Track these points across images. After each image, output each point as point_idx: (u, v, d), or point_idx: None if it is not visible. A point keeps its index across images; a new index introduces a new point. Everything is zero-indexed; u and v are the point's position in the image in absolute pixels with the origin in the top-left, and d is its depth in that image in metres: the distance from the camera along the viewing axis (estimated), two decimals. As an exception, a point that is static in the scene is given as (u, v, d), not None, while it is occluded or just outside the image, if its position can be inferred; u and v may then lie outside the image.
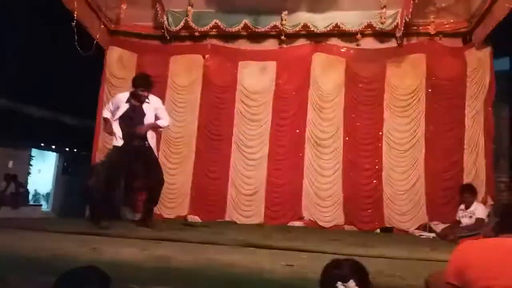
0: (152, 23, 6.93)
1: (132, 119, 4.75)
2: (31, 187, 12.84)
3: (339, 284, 1.51)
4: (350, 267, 1.58)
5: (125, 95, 4.85)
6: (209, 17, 6.60)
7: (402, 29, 6.06)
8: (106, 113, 4.91)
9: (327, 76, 6.59)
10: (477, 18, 5.93)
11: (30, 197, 12.79)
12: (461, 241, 4.68)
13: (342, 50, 6.67)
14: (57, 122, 11.28)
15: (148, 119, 4.81)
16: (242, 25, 6.54)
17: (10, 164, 11.61)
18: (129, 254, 3.08)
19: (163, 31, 6.79)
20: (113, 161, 4.74)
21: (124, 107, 4.75)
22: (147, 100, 4.80)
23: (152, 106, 4.86)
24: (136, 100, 4.77)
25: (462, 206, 5.32)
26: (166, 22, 6.65)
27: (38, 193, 14.09)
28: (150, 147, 4.82)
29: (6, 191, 10.38)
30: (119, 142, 4.68)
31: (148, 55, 7.04)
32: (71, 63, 7.62)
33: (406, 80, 6.40)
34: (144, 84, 4.79)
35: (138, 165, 4.92)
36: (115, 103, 4.85)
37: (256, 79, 6.75)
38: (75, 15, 5.89)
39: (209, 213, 6.52)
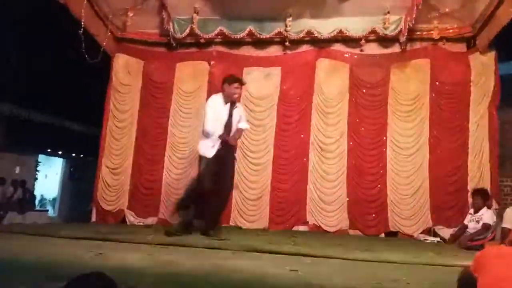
0: (158, 30, 7.00)
1: (229, 125, 4.60)
2: (38, 192, 12.94)
3: None
4: None
5: (219, 97, 4.67)
6: (214, 24, 6.66)
7: (406, 34, 6.08)
8: (212, 125, 4.52)
9: (331, 81, 6.62)
10: (481, 23, 5.95)
11: (37, 202, 12.88)
12: (468, 245, 4.73)
13: (346, 55, 6.70)
14: (64, 128, 11.39)
15: (235, 124, 4.67)
16: (246, 31, 6.60)
17: (17, 169, 11.72)
18: (134, 259, 3.11)
19: (169, 38, 6.87)
20: (215, 170, 4.48)
21: (224, 110, 4.58)
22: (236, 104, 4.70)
23: (239, 111, 4.77)
24: (231, 100, 4.61)
25: (471, 210, 5.32)
26: (172, 29, 6.72)
27: (45, 198, 14.20)
28: (235, 157, 4.81)
29: (13, 197, 10.46)
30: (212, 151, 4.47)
31: (154, 62, 7.12)
32: (79, 70, 7.72)
33: (410, 85, 6.41)
34: (239, 80, 4.74)
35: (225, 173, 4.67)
36: (216, 108, 4.58)
37: (260, 85, 6.79)
38: (82, 23, 5.98)
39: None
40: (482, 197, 5.27)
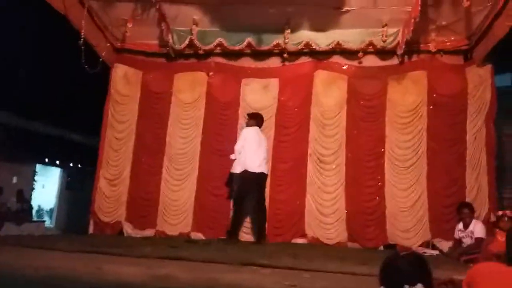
0: (157, 41, 7.01)
1: None
2: (35, 202, 12.84)
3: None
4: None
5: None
6: (213, 36, 6.69)
7: (403, 47, 6.11)
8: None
9: (329, 93, 6.65)
10: (478, 36, 6.00)
11: (34, 212, 12.78)
12: (463, 259, 4.72)
13: (344, 67, 6.73)
14: (61, 138, 11.36)
15: None
16: (245, 43, 6.64)
17: (15, 179, 11.64)
18: (132, 274, 3.09)
19: (168, 49, 6.90)
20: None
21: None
22: None
23: None
24: None
25: (461, 226, 5.32)
26: (171, 41, 6.75)
27: (42, 209, 14.08)
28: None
29: (10, 207, 10.36)
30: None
31: (153, 73, 7.15)
32: (77, 80, 7.73)
33: (407, 97, 6.44)
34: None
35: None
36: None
37: (259, 95, 6.81)
38: (82, 34, 6.01)
39: (211, 230, 6.50)
40: (469, 210, 5.29)
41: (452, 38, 6.39)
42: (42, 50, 9.03)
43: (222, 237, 6.21)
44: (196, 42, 6.70)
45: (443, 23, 6.02)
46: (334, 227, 6.29)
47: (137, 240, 5.87)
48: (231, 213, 6.10)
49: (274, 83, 6.83)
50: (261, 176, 5.91)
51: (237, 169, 5.89)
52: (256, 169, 5.78)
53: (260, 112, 6.70)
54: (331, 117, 6.59)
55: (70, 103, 10.06)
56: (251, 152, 5.79)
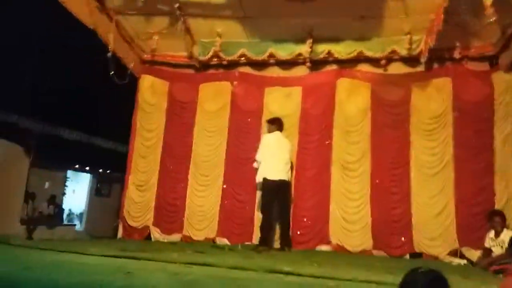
0: (183, 52, 7.16)
1: None
2: (66, 207, 13.31)
3: None
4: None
5: None
6: (237, 47, 6.82)
7: (427, 54, 6.06)
8: None
9: (352, 100, 6.66)
10: (503, 42, 5.89)
11: (64, 216, 13.25)
12: (492, 268, 4.64)
13: (367, 75, 6.74)
14: (92, 145, 11.73)
15: None
16: (268, 53, 6.74)
17: (47, 185, 12.09)
18: (161, 279, 3.20)
19: (193, 60, 7.08)
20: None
21: None
22: None
23: None
24: None
25: (492, 234, 5.22)
26: (195, 52, 6.94)
27: (72, 213, 14.55)
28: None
29: (45, 212, 10.78)
30: None
31: (179, 83, 7.35)
32: (107, 89, 8.01)
33: (431, 104, 6.38)
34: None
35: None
36: None
37: (282, 104, 6.89)
38: (110, 47, 6.26)
39: (236, 236, 6.60)
40: (501, 218, 5.19)
41: (477, 45, 6.29)
42: (74, 61, 9.38)
43: (248, 243, 6.33)
44: (220, 54, 6.85)
45: (467, 30, 5.94)
46: (359, 234, 6.27)
47: (164, 245, 6.03)
48: (260, 222, 6.06)
49: (297, 91, 6.90)
50: (283, 184, 5.91)
51: (259, 177, 5.95)
52: (276, 177, 5.81)
53: (283, 119, 6.80)
54: (354, 124, 6.60)
55: (101, 111, 10.40)
56: (271, 159, 5.85)
